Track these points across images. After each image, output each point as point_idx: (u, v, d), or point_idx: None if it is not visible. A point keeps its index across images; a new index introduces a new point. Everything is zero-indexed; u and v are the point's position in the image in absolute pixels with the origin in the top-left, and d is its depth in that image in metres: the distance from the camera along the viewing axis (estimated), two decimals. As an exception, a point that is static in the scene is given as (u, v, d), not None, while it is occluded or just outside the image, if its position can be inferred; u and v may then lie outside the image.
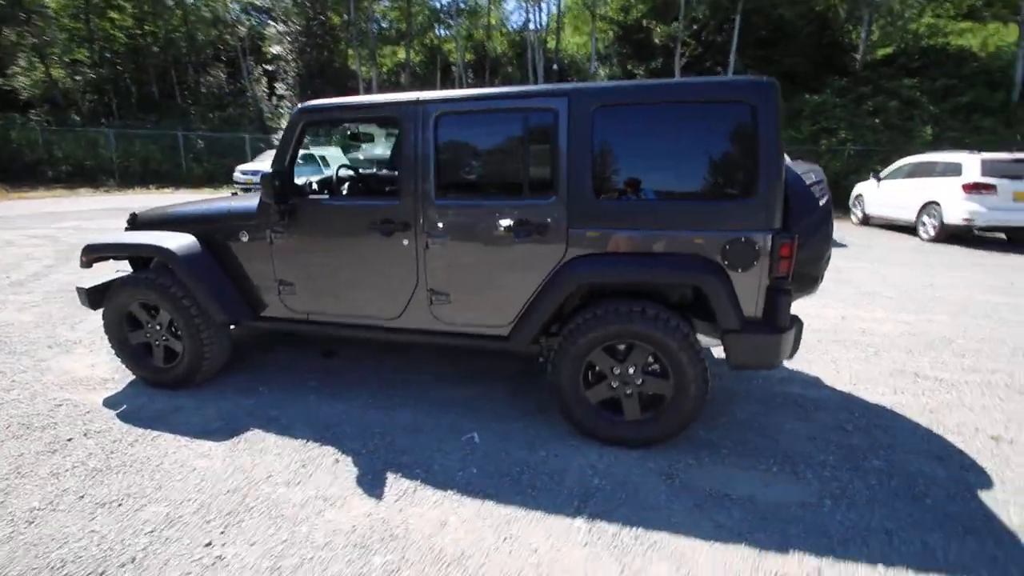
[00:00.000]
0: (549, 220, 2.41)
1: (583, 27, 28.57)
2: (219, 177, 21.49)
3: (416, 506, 2.16)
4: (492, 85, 27.19)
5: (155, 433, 2.70)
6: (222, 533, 2.00)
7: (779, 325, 2.30)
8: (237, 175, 17.11)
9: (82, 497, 2.21)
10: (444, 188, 2.55)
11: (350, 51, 27.47)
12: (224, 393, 3.14)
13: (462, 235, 2.54)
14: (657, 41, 22.35)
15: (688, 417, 2.43)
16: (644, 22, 23.92)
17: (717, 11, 22.36)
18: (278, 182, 2.60)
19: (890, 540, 2.01)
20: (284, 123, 25.52)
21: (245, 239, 2.91)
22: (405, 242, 2.61)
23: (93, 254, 3.11)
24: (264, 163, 17.43)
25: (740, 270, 2.29)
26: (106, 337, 3.18)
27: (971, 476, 2.43)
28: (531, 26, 26.50)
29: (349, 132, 3.43)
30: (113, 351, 3.24)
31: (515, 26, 31.10)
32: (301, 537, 1.98)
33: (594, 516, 2.10)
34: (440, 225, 2.56)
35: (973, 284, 6.09)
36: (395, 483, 2.31)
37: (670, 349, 2.35)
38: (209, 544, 1.94)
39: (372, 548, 1.92)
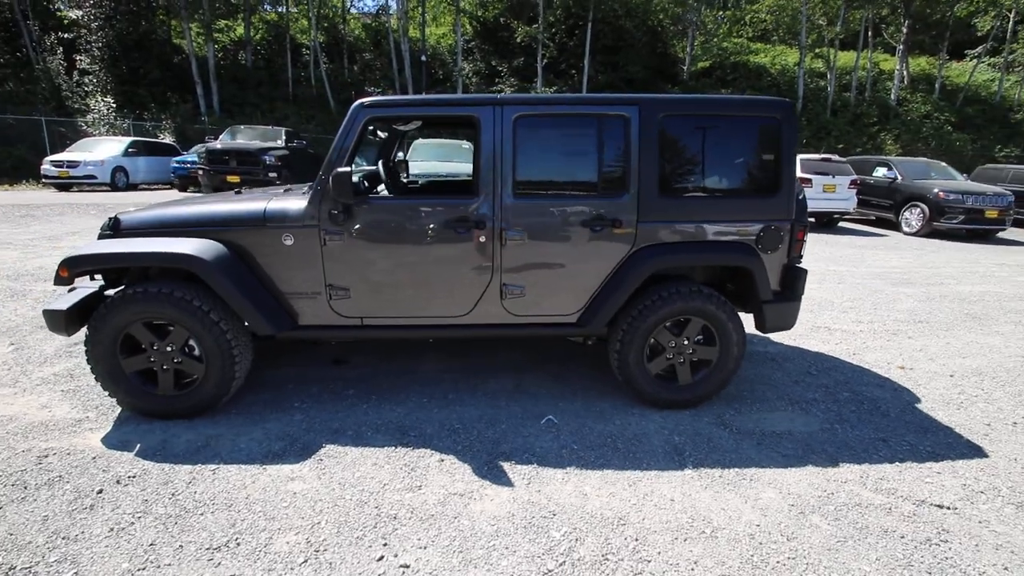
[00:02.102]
0: (622, 215, 2.70)
1: (443, 18, 28.53)
2: (6, 170, 17.14)
3: (548, 485, 2.32)
4: (350, 71, 25.84)
5: (211, 467, 2.39)
6: (385, 545, 1.94)
7: (798, 294, 2.91)
8: (47, 168, 14.00)
9: (181, 547, 1.93)
10: (522, 186, 2.68)
11: (175, 22, 23.80)
12: (260, 414, 2.84)
13: (540, 230, 2.70)
14: (519, 40, 23.38)
15: (730, 375, 2.94)
16: (503, 20, 24.81)
17: (569, 16, 24.14)
18: (347, 181, 2.46)
19: (888, 444, 2.74)
20: (91, 103, 21.29)
21: (289, 242, 2.67)
22: (482, 239, 2.68)
23: (79, 267, 2.56)
24: (82, 153, 14.40)
25: (769, 252, 2.84)
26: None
27: (904, 395, 3.34)
28: (391, 10, 25.66)
29: (372, 129, 3.25)
30: (99, 383, 2.70)
31: (365, 8, 29.73)
32: (467, 531, 2.02)
33: (697, 465, 2.48)
34: (518, 222, 2.68)
35: (817, 258, 7.81)
36: (514, 469, 2.42)
37: (721, 320, 2.81)
38: (382, 558, 1.88)
39: (541, 526, 2.06)
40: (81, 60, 21.80)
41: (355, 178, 2.63)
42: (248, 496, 2.20)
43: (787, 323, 2.96)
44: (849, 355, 3.99)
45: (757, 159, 2.79)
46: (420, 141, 10.53)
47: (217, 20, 24.42)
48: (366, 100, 2.64)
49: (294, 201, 2.71)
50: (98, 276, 2.94)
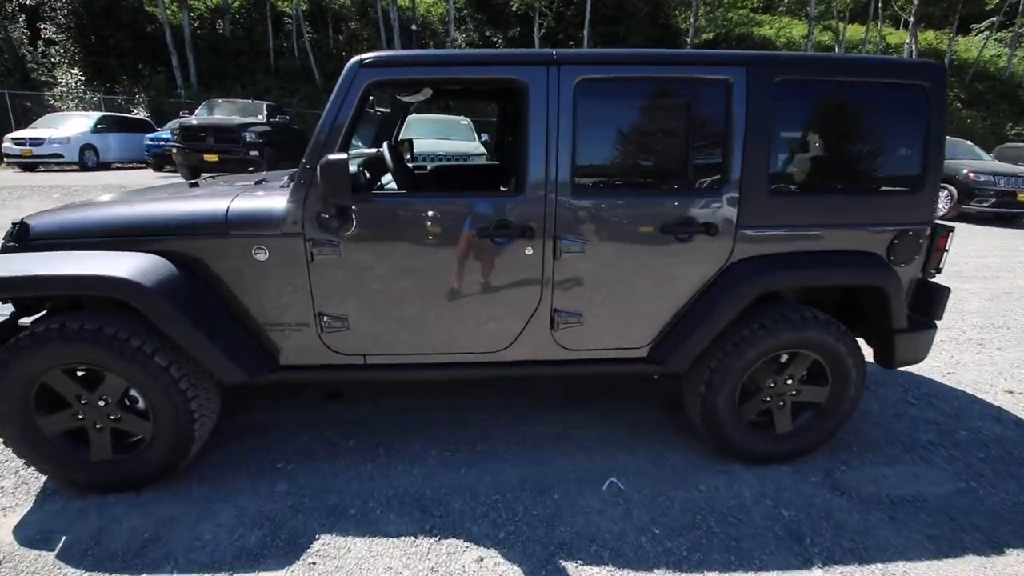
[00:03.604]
0: (717, 218, 1.99)
1: (433, -15, 27.04)
2: (-35, 148, 15.87)
3: (634, 601, 1.67)
4: (335, 41, 24.47)
5: (159, 577, 1.71)
6: None
7: (936, 317, 2.25)
8: (8, 146, 12.86)
9: None
10: (583, 179, 1.96)
11: (145, -12, 22.21)
12: (230, 482, 2.15)
13: (605, 238, 1.98)
14: (515, 9, 22.17)
15: (843, 421, 2.30)
16: (497, -12, 23.52)
17: (567, -16, 22.92)
18: (343, 172, 1.72)
19: (1051, 513, 2.12)
20: (58, 75, 19.91)
21: (262, 256, 1.94)
22: (528, 251, 1.96)
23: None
24: (47, 129, 13.25)
25: (903, 265, 2.16)
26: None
27: (1033, 432, 2.72)
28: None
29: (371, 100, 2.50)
30: (11, 448, 1.99)
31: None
32: None
33: (827, 560, 1.84)
34: (577, 227, 1.96)
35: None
36: (579, 572, 1.76)
37: (840, 355, 2.16)
38: None
39: None
40: (46, 29, 20.32)
41: (353, 167, 1.89)
42: (210, 634, 1.53)
43: (920, 356, 2.32)
44: (943, 375, 3.36)
45: (897, 141, 2.09)
46: (413, 117, 9.62)
47: (191, -14, 22.84)
48: (366, 57, 1.88)
49: (268, 199, 1.97)
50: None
